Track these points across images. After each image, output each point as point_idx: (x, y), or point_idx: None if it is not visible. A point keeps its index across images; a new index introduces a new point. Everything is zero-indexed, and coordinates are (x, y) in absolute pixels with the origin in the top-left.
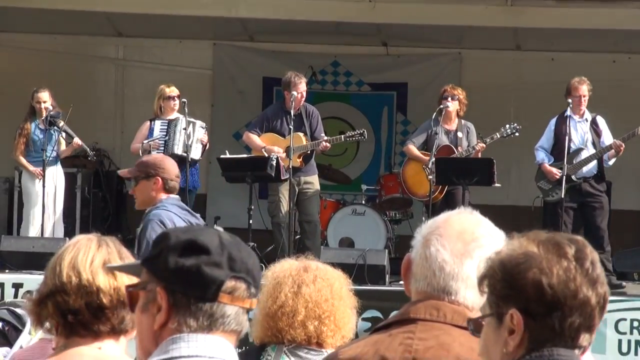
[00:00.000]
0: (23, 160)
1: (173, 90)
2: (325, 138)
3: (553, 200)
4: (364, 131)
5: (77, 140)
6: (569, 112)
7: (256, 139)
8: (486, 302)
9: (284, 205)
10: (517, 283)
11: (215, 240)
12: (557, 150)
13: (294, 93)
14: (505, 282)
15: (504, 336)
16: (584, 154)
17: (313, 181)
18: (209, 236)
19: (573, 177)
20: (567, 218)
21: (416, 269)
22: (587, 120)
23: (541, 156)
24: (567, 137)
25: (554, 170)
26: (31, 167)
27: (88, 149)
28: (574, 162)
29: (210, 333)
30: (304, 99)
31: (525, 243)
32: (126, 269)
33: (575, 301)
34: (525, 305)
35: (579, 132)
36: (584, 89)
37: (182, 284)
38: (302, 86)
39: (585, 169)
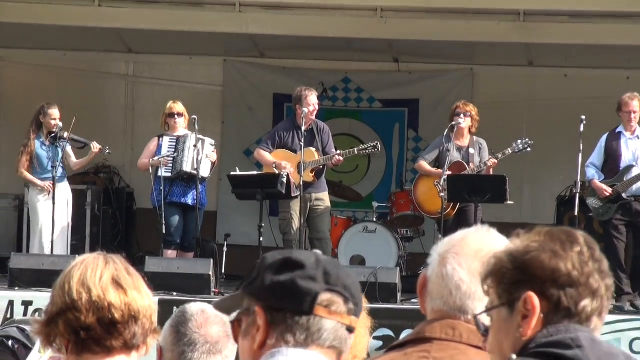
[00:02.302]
0: (29, 175)
1: (174, 108)
2: (339, 152)
3: (603, 219)
4: (377, 144)
5: (95, 145)
6: (620, 129)
7: (267, 155)
8: (493, 296)
9: (296, 223)
10: (531, 268)
11: (311, 257)
12: (608, 167)
13: (305, 109)
14: (517, 270)
15: (517, 322)
16: (635, 172)
17: (324, 198)
18: (305, 254)
19: (624, 195)
20: (619, 235)
21: (432, 287)
22: (638, 137)
23: (591, 173)
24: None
25: (604, 187)
26: (39, 182)
27: (102, 147)
28: (625, 179)
29: (308, 348)
30: (316, 111)
31: (532, 236)
32: (229, 300)
33: (589, 284)
34: (540, 287)
35: (630, 149)
36: (635, 105)
37: (278, 298)
38: (312, 99)
39: (635, 187)
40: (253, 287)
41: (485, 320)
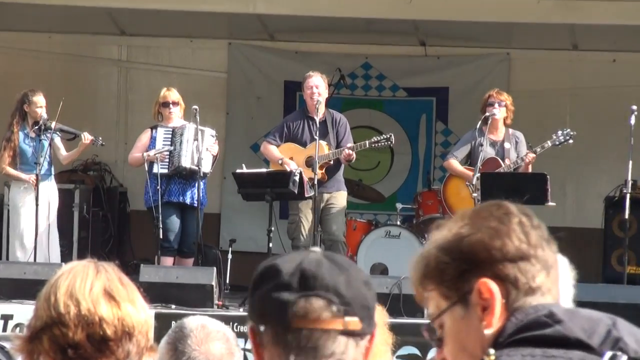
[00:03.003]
0: (12, 170)
1: (168, 96)
2: (349, 145)
3: None
4: (390, 135)
5: (87, 135)
6: None
7: (274, 150)
8: (437, 300)
9: (305, 227)
10: (473, 253)
11: (294, 261)
12: None
13: (307, 91)
14: (458, 261)
15: (477, 316)
16: None
17: (338, 197)
18: (290, 258)
19: None
20: None
21: None
22: None
23: None
24: None
25: None
26: (23, 175)
27: (94, 138)
28: None
29: None
30: (318, 94)
31: (455, 223)
32: None
33: (538, 255)
34: (491, 271)
35: None
36: None
37: (258, 317)
38: (312, 80)
39: None
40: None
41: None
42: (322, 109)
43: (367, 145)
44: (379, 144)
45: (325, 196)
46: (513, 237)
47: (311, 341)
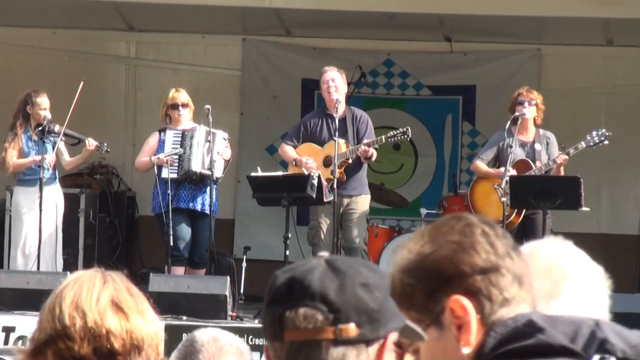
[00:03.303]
0: (20, 160)
1: (177, 97)
2: (364, 141)
3: None
4: (407, 129)
5: (91, 141)
6: None
7: (289, 151)
8: (408, 326)
9: (324, 232)
10: (440, 270)
11: (289, 272)
12: None
13: (323, 86)
14: (425, 281)
15: (453, 336)
16: None
17: (359, 201)
18: (288, 268)
19: None
20: None
21: None
22: None
23: None
24: None
25: None
26: (36, 157)
27: (99, 144)
28: None
29: None
30: (336, 90)
31: (415, 243)
32: None
33: (507, 265)
34: (462, 287)
35: None
36: None
37: (264, 333)
38: (328, 74)
39: None
40: None
41: None
42: (341, 106)
43: (384, 141)
44: (396, 138)
45: (345, 200)
46: (479, 248)
47: (302, 354)
